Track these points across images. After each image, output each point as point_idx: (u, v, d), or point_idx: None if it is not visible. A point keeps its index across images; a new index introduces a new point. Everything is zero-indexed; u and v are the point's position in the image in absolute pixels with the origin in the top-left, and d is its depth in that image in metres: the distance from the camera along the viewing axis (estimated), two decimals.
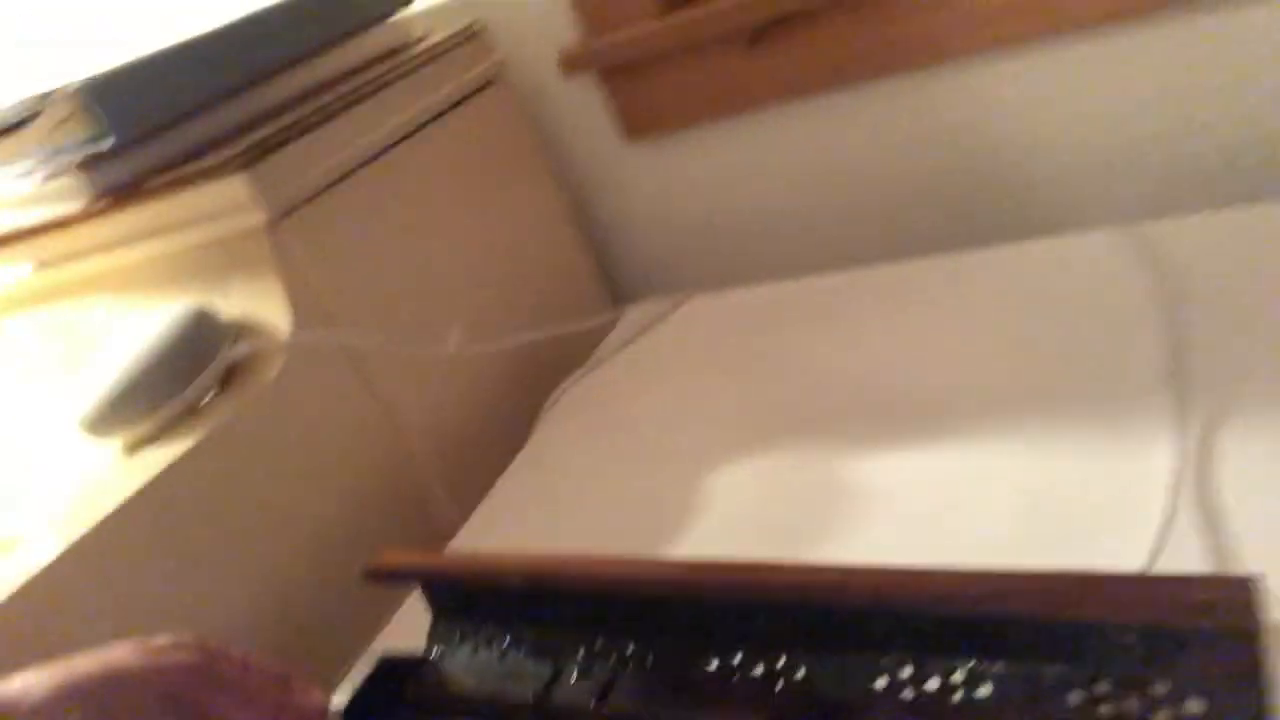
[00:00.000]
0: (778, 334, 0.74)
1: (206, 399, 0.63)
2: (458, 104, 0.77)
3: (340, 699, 0.42)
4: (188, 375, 0.61)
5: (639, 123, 0.88)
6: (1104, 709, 0.30)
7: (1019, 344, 0.60)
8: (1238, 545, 0.39)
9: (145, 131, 0.62)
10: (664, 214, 0.90)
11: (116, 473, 0.59)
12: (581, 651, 0.41)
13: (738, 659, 0.37)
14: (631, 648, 0.39)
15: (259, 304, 0.64)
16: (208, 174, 0.61)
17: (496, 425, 0.76)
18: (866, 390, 0.62)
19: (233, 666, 0.41)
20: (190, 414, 0.62)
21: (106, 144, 0.60)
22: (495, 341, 0.72)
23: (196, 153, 0.65)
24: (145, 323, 0.63)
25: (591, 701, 0.39)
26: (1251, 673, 0.27)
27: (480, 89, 0.80)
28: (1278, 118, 0.67)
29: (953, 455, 0.53)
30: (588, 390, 0.77)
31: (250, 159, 0.60)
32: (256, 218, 0.61)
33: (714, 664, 0.37)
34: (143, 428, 0.60)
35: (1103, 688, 0.30)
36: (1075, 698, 0.30)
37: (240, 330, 0.64)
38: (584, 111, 0.89)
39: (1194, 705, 0.29)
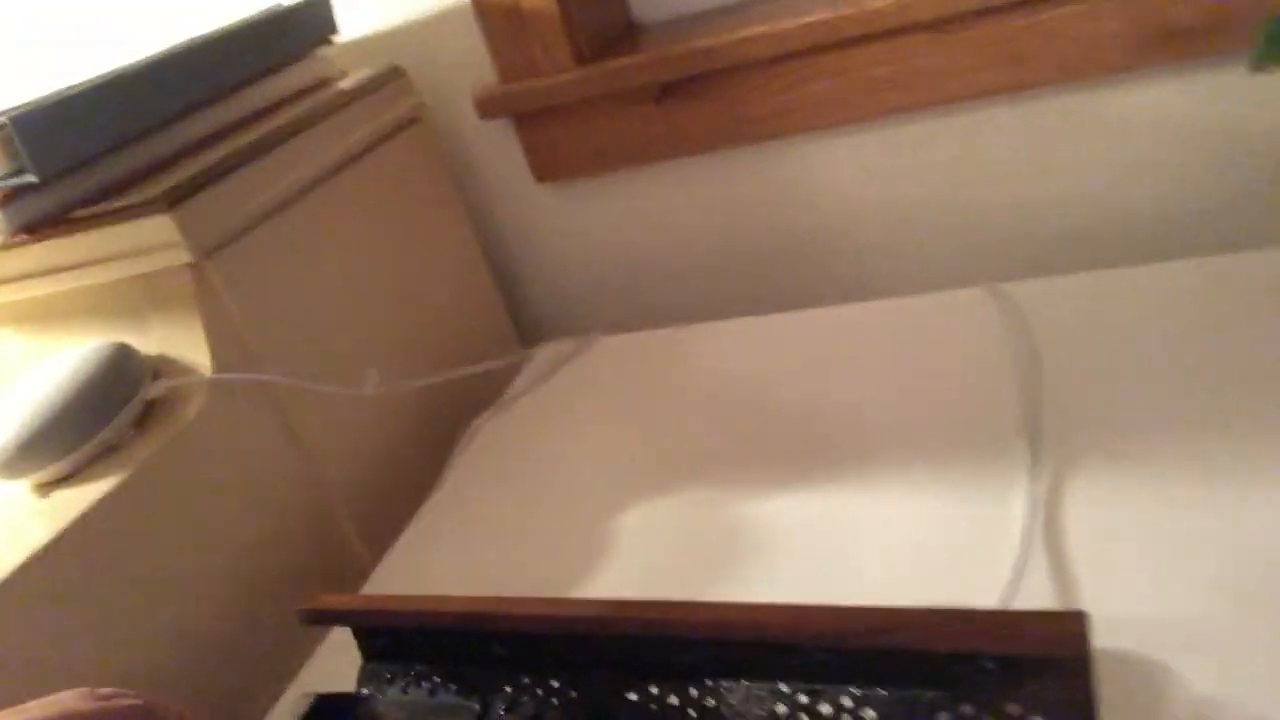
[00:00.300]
0: (680, 376, 0.78)
1: (124, 438, 0.63)
2: (378, 144, 0.80)
3: None
4: (106, 414, 0.62)
5: (550, 167, 0.92)
6: None
7: (895, 393, 0.66)
8: (1079, 582, 0.46)
9: (67, 166, 0.62)
10: (572, 257, 0.95)
11: (30, 515, 0.58)
12: (509, 688, 0.44)
13: (655, 690, 0.41)
14: (556, 683, 0.43)
15: (179, 342, 0.65)
16: (132, 212, 0.62)
17: (408, 465, 0.79)
18: (759, 432, 0.67)
19: (172, 715, 0.43)
20: (107, 453, 0.62)
21: (27, 178, 0.60)
22: (410, 382, 0.75)
23: (118, 187, 0.66)
24: (61, 359, 0.64)
25: None
26: (1084, 695, 0.33)
27: (400, 129, 0.83)
28: (1122, 193, 0.76)
29: (838, 498, 0.58)
30: (498, 429, 0.80)
31: (176, 198, 0.62)
32: (181, 257, 0.62)
33: (633, 695, 0.41)
34: (57, 468, 0.61)
35: (966, 709, 0.35)
36: (944, 718, 0.36)
37: (159, 368, 0.65)
38: (498, 154, 0.92)
39: None
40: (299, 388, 0.68)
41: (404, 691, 0.46)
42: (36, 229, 0.64)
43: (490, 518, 0.70)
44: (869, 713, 0.37)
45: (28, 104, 0.61)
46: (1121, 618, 0.43)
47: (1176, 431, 0.54)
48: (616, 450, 0.72)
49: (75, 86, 0.64)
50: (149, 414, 0.64)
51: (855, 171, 0.82)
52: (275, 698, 0.59)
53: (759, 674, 0.39)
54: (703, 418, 0.72)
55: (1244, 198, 0.72)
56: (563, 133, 0.89)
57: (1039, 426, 0.58)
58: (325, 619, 0.45)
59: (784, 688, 0.38)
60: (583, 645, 0.42)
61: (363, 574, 0.69)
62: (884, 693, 0.37)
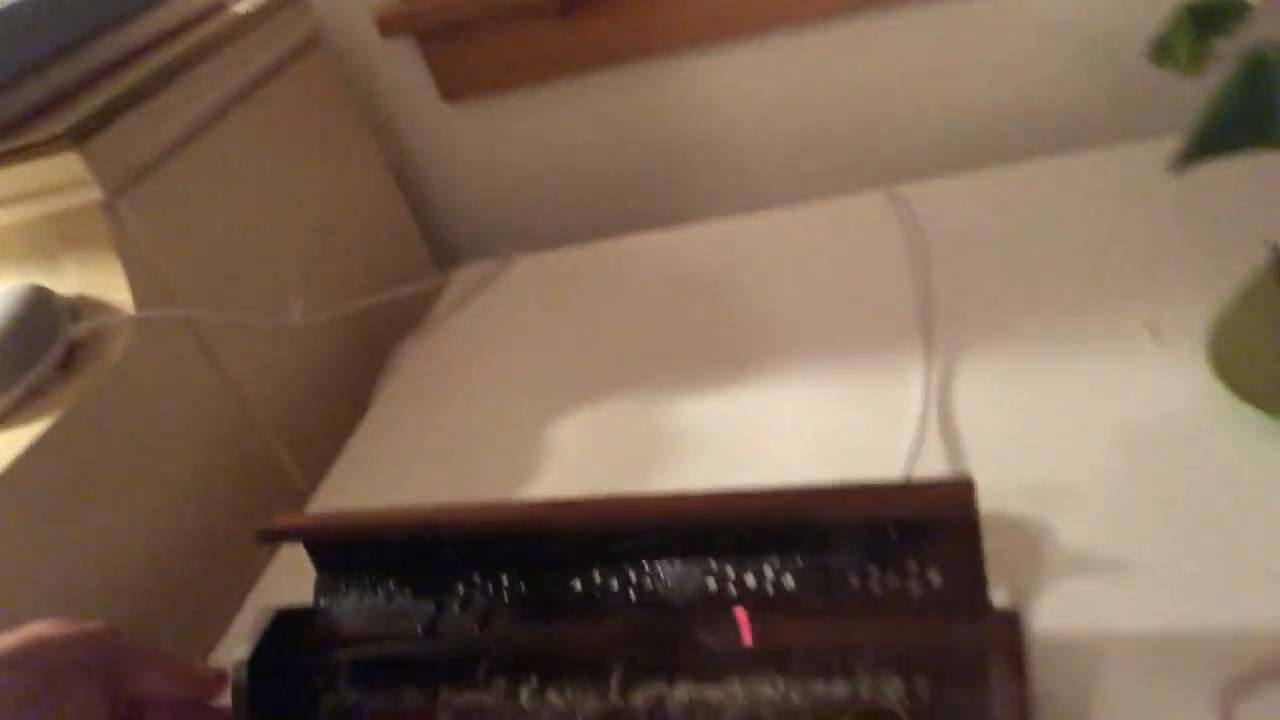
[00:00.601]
0: (598, 291, 0.81)
1: (49, 382, 0.63)
2: (279, 69, 0.79)
3: (238, 653, 0.47)
4: (27, 358, 0.61)
5: (456, 86, 0.92)
6: (874, 585, 0.40)
7: (800, 296, 0.70)
8: (969, 453, 0.51)
9: None
10: (484, 177, 0.95)
11: None
12: (461, 588, 0.48)
13: (597, 578, 0.45)
14: (505, 580, 0.47)
15: (97, 281, 0.65)
16: (37, 150, 0.61)
17: (337, 391, 0.80)
18: (678, 339, 0.71)
19: (136, 642, 0.45)
20: (33, 398, 0.62)
21: None
22: (334, 309, 0.76)
23: (16, 124, 0.64)
24: None
25: (475, 629, 0.46)
26: (972, 551, 0.38)
27: (300, 53, 0.81)
28: (1004, 94, 0.80)
29: (753, 395, 0.63)
30: (424, 352, 0.82)
31: (82, 134, 0.61)
32: (92, 194, 0.62)
33: (578, 585, 0.45)
34: None
35: (872, 569, 0.40)
36: (855, 579, 0.41)
37: (79, 309, 0.65)
38: (404, 75, 0.92)
39: (934, 577, 0.39)
40: (225, 321, 0.68)
41: (360, 600, 0.49)
42: None
43: (423, 437, 0.72)
44: (788, 579, 0.42)
45: None
46: (1006, 483, 0.48)
47: (1052, 316, 0.59)
48: (540, 366, 0.75)
49: None
50: (73, 356, 0.64)
51: (754, 82, 0.85)
52: (229, 617, 0.62)
53: (690, 554, 0.43)
54: (621, 330, 0.75)
55: (1117, 94, 0.77)
56: (468, 49, 0.89)
57: (932, 318, 0.63)
58: (282, 537, 0.48)
59: (713, 564, 0.43)
60: (528, 543, 0.45)
61: (301, 499, 0.71)
62: (801, 561, 0.41)
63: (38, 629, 0.42)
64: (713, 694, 0.41)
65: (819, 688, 0.40)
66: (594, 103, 0.89)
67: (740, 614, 0.41)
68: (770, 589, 0.42)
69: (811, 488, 0.39)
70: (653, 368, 0.69)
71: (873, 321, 0.65)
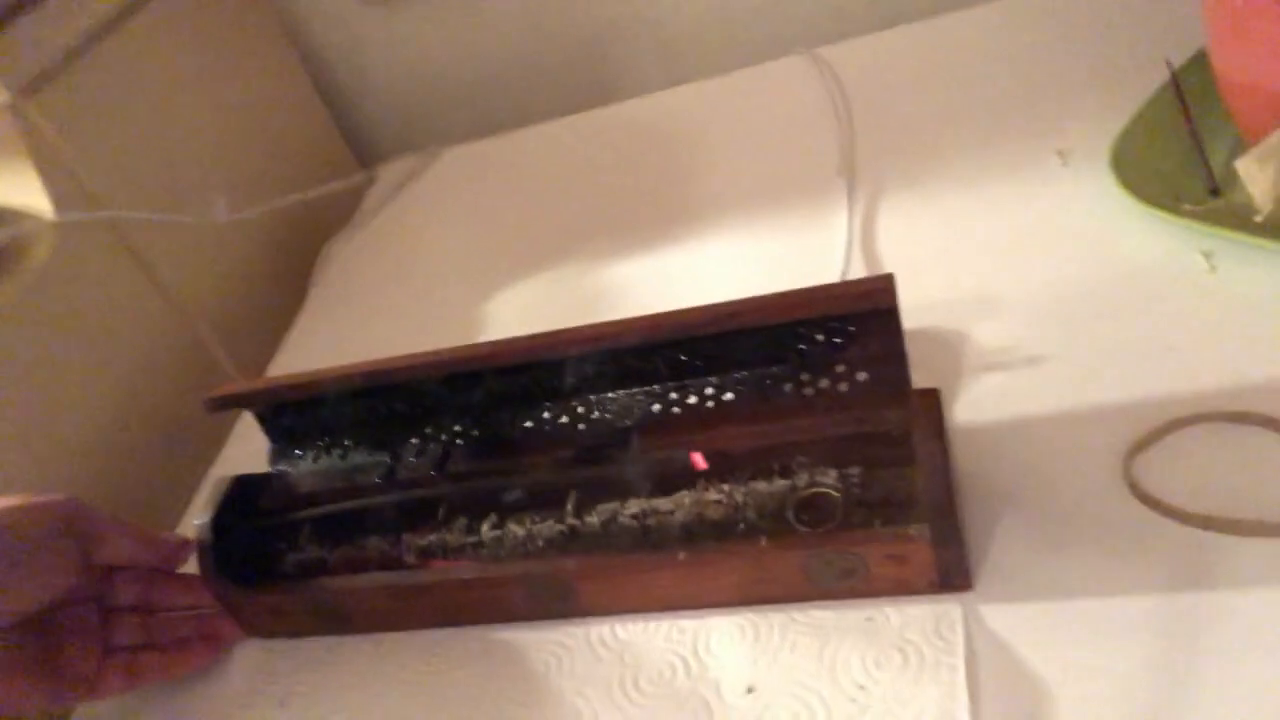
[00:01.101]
0: (523, 177, 0.82)
1: None
2: None
3: (200, 518, 0.48)
4: None
5: None
6: (808, 390, 0.43)
7: (727, 161, 0.72)
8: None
9: None
10: (406, 73, 0.94)
11: None
12: (414, 439, 0.49)
13: (547, 414, 0.47)
14: (458, 426, 0.48)
15: (12, 189, 0.64)
16: None
17: (269, 290, 0.80)
18: (610, 214, 0.72)
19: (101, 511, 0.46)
20: None
21: None
22: (258, 206, 0.75)
23: None
24: None
25: (431, 471, 0.47)
26: (895, 347, 0.40)
27: None
28: None
29: (685, 253, 0.64)
30: (356, 246, 0.82)
31: None
32: None
33: (529, 423, 0.47)
34: None
35: (805, 376, 0.43)
36: (788, 387, 0.43)
37: None
38: None
39: (860, 375, 0.42)
40: (147, 221, 0.67)
41: (315, 462, 0.50)
42: None
43: (362, 325, 0.73)
44: (728, 395, 0.44)
45: None
46: (928, 299, 0.51)
47: (967, 154, 0.62)
48: (472, 250, 0.76)
49: None
50: None
51: None
52: (185, 505, 0.62)
53: (633, 382, 0.45)
54: (551, 209, 0.76)
55: None
56: None
57: (855, 166, 0.65)
58: (231, 404, 0.48)
59: (655, 388, 0.45)
60: (475, 385, 0.47)
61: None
62: (738, 376, 0.44)
63: (7, 499, 0.43)
64: (662, 504, 0.43)
65: (760, 486, 0.42)
66: None
67: (696, 457, 0.44)
68: (711, 405, 0.44)
69: (743, 299, 0.41)
70: (585, 239, 0.70)
71: (798, 176, 0.67)
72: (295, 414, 0.50)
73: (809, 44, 0.78)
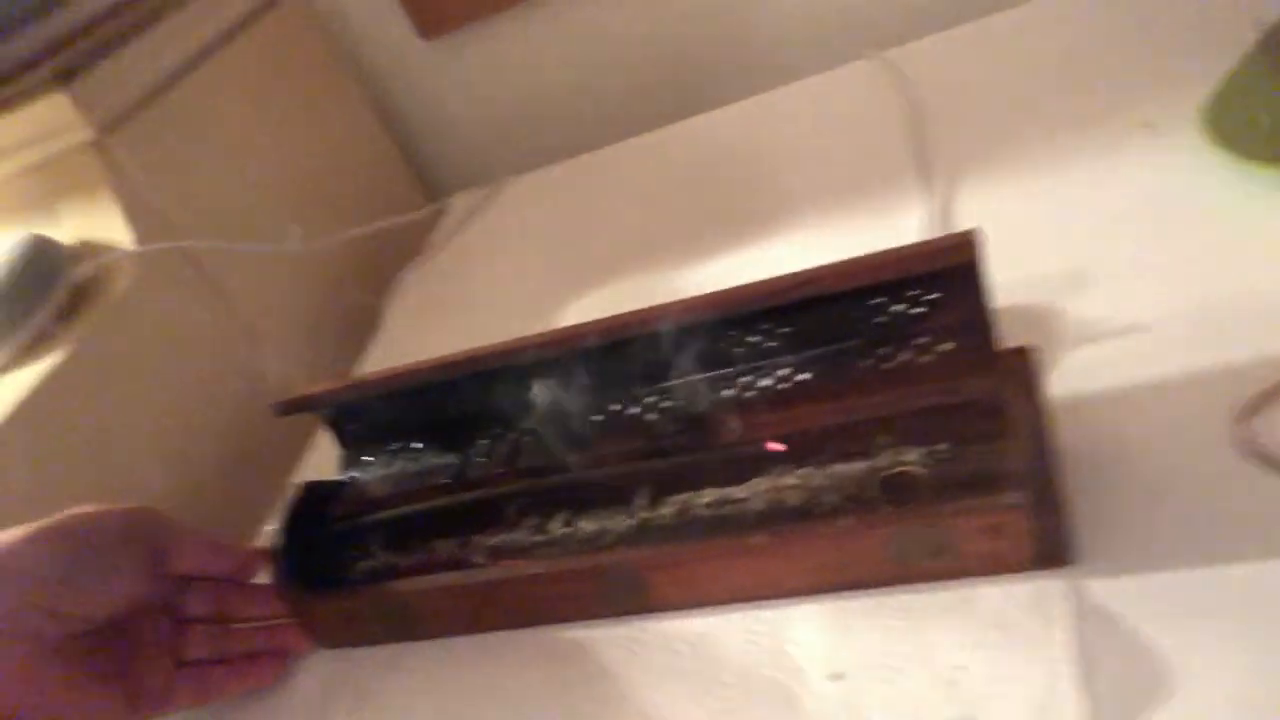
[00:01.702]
0: (593, 199, 0.81)
1: (56, 325, 0.64)
2: (255, 18, 0.79)
3: (272, 525, 0.47)
4: (30, 303, 0.62)
5: (433, 22, 0.92)
6: (888, 365, 0.40)
7: (800, 166, 0.70)
8: None
9: None
10: (472, 107, 0.95)
11: None
12: (483, 440, 0.48)
13: (615, 406, 0.45)
14: (527, 422, 0.47)
15: (96, 224, 0.66)
16: (25, 96, 0.62)
17: (342, 319, 0.81)
18: (680, 230, 0.71)
19: (175, 520, 0.46)
20: (42, 341, 0.63)
21: None
22: (332, 237, 0.76)
23: (5, 79, 0.65)
24: None
25: (500, 469, 0.46)
26: (979, 300, 0.38)
27: (273, 3, 0.82)
28: None
29: (763, 252, 0.63)
30: (427, 277, 0.83)
31: (68, 76, 0.61)
32: (83, 134, 0.63)
33: (599, 415, 0.46)
34: None
35: (884, 350, 0.40)
36: (868, 363, 0.41)
37: (82, 252, 0.66)
38: (381, 17, 0.92)
39: (946, 346, 0.40)
40: (222, 249, 0.69)
41: (386, 467, 0.50)
42: None
43: (435, 350, 0.72)
44: (803, 375, 0.42)
45: None
46: (1015, 277, 0.48)
47: (1048, 136, 0.59)
48: (542, 276, 0.75)
49: None
50: (80, 299, 0.65)
51: None
52: (257, 530, 0.62)
53: (703, 367, 0.43)
54: (619, 231, 0.75)
55: None
56: None
57: (929, 161, 0.63)
58: (300, 406, 0.48)
59: (726, 372, 0.43)
60: (546, 378, 0.46)
61: (311, 423, 0.71)
62: (812, 355, 0.42)
63: (78, 508, 0.43)
64: (737, 492, 0.41)
65: (840, 469, 0.40)
66: (569, 17, 0.89)
67: (772, 443, 0.42)
68: (786, 387, 0.42)
69: (819, 266, 0.39)
70: (656, 256, 0.69)
71: (872, 176, 0.65)
72: (364, 419, 0.50)
73: (877, 48, 0.77)
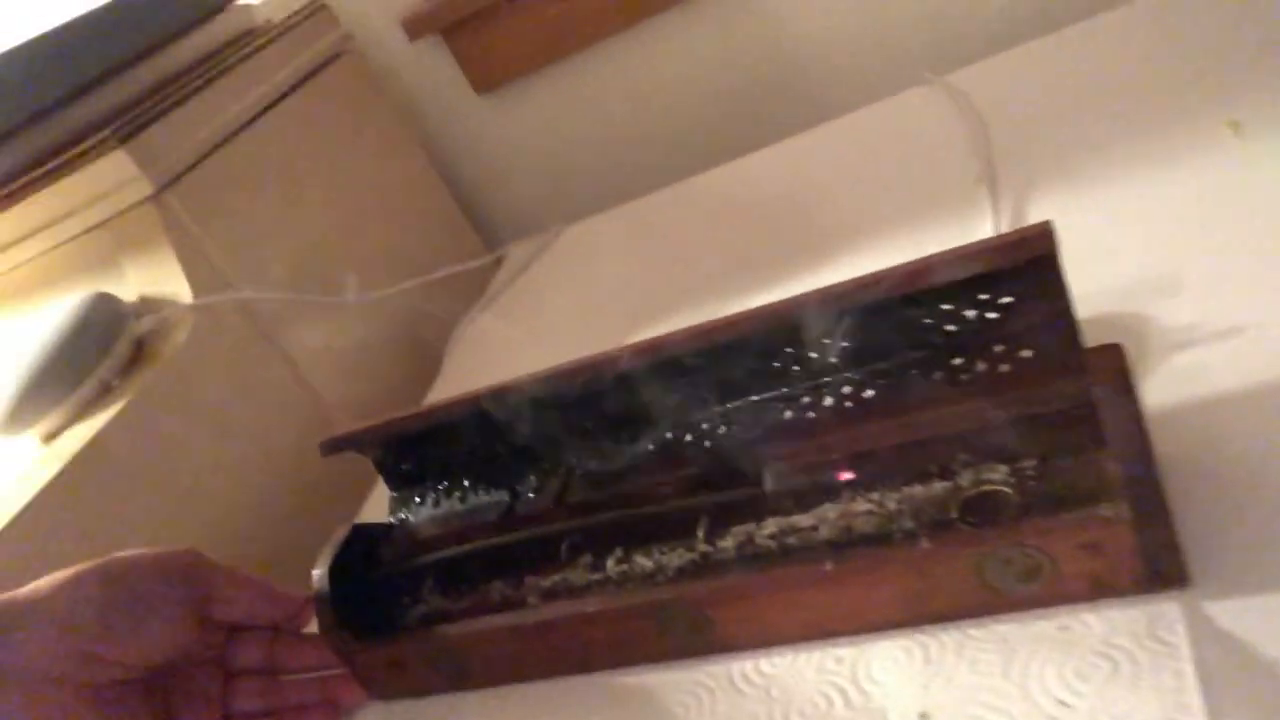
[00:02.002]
0: (651, 241, 0.80)
1: (119, 378, 0.64)
2: (310, 76, 0.81)
3: (317, 570, 0.45)
4: (92, 356, 0.62)
5: (487, 76, 0.93)
6: (963, 376, 0.37)
7: (866, 192, 0.68)
8: None
9: (17, 123, 0.63)
10: (529, 157, 0.96)
11: (37, 462, 0.59)
12: (533, 476, 0.46)
13: (669, 435, 0.43)
14: (575, 457, 0.45)
15: (157, 279, 0.66)
16: (85, 156, 0.63)
17: (399, 371, 0.80)
18: (740, 265, 0.69)
19: (222, 565, 0.44)
20: (106, 394, 0.63)
21: None
22: (389, 287, 0.76)
23: (63, 147, 0.66)
24: (42, 317, 0.65)
25: (551, 504, 0.44)
26: (1059, 296, 0.35)
27: (330, 60, 0.84)
28: None
29: (831, 277, 0.60)
30: (486, 325, 0.82)
31: (127, 134, 0.63)
32: (141, 190, 0.64)
33: (649, 445, 0.43)
34: (57, 415, 0.62)
35: (958, 360, 0.37)
36: (940, 375, 0.38)
37: (143, 307, 0.66)
38: (436, 74, 0.93)
39: (1025, 353, 0.36)
40: (281, 301, 0.69)
41: (435, 507, 0.48)
42: None
43: None
44: (869, 391, 0.39)
45: None
46: (1098, 288, 0.45)
47: (1129, 143, 0.56)
48: (604, 318, 0.74)
49: (11, 47, 0.65)
50: (143, 353, 0.65)
51: (788, 5, 0.84)
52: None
53: (760, 388, 0.41)
54: (683, 270, 0.73)
55: None
56: (494, 35, 0.90)
57: (996, 180, 0.60)
58: (345, 444, 0.47)
59: (785, 391, 0.40)
60: (593, 407, 0.43)
61: (369, 473, 0.70)
62: (878, 369, 0.39)
63: (122, 552, 0.42)
64: (803, 520, 0.38)
65: (916, 491, 0.36)
66: (623, 63, 0.89)
67: (840, 471, 0.39)
68: (848, 405, 0.39)
69: (884, 269, 0.36)
70: (719, 293, 0.67)
71: (940, 199, 0.62)
72: (412, 458, 0.48)
73: (937, 73, 0.75)
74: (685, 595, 0.37)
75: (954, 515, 0.35)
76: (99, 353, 0.63)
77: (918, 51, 0.81)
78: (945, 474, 0.36)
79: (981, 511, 0.35)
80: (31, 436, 0.63)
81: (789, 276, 0.63)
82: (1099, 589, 0.32)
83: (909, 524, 0.36)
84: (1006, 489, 0.35)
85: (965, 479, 0.36)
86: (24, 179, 0.65)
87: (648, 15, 0.86)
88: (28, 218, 0.67)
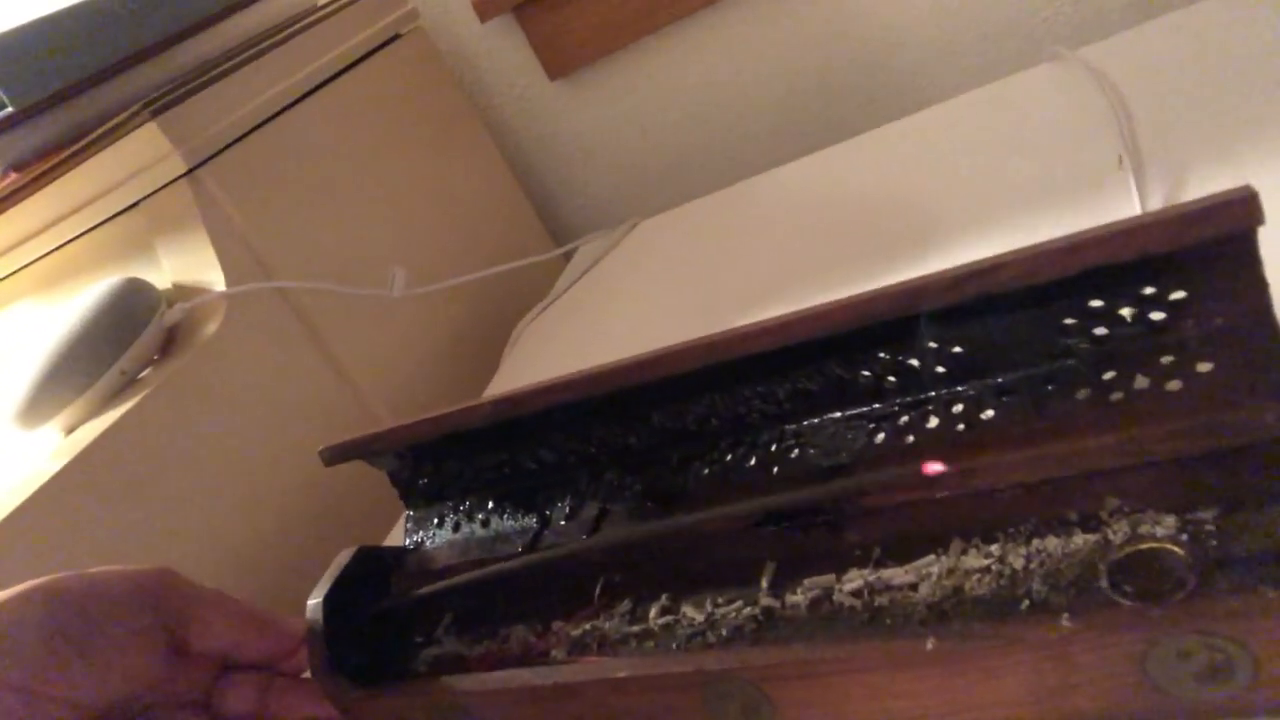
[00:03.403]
0: (735, 236, 0.72)
1: (146, 368, 0.60)
2: (371, 54, 0.75)
3: (312, 600, 0.39)
4: (117, 344, 0.58)
5: (561, 60, 0.86)
6: (1116, 395, 0.28)
7: (992, 173, 0.59)
8: None
9: (45, 96, 0.59)
10: (604, 148, 0.89)
11: (52, 455, 0.55)
12: (566, 497, 0.38)
13: (727, 456, 0.35)
14: (614, 477, 0.37)
15: (190, 264, 0.62)
16: (118, 130, 0.58)
17: (453, 369, 0.74)
18: (837, 257, 0.60)
19: (199, 586, 0.38)
20: (132, 385, 0.59)
21: (4, 112, 0.57)
22: (439, 283, 0.70)
23: (97, 125, 0.62)
24: (72, 302, 0.60)
25: (582, 537, 0.36)
26: (1258, 309, 0.25)
27: (395, 39, 0.78)
28: None
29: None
30: (550, 323, 0.75)
31: (160, 108, 0.58)
32: (174, 166, 0.59)
33: (705, 470, 0.35)
34: (79, 408, 0.57)
35: (1110, 374, 0.28)
36: (1085, 393, 0.29)
37: (176, 294, 0.62)
38: (509, 58, 0.87)
39: (1204, 366, 0.27)
40: (321, 292, 0.63)
41: (456, 529, 0.41)
42: (24, 166, 0.61)
43: None
44: (988, 412, 0.30)
45: None
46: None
47: (1269, 127, 0.46)
48: (676, 317, 0.66)
49: (46, 15, 0.61)
50: (174, 341, 0.61)
51: None
52: None
53: (846, 402, 0.32)
54: (765, 265, 0.65)
55: None
56: (568, 14, 0.83)
57: (1141, 162, 0.50)
58: (350, 452, 0.40)
59: (877, 408, 0.32)
60: (632, 419, 0.36)
61: None
62: (1001, 383, 0.30)
63: (98, 569, 0.36)
64: (896, 575, 0.29)
65: (1051, 545, 0.28)
66: (703, 46, 0.82)
67: (929, 468, 0.30)
68: (963, 426, 0.30)
69: (1008, 252, 0.27)
70: (811, 288, 0.58)
71: (1072, 185, 0.53)
72: (432, 473, 0.41)
73: (1067, 45, 0.65)
74: (739, 667, 0.29)
75: (1102, 581, 0.26)
76: (125, 343, 0.58)
77: (1043, 28, 0.71)
78: (1090, 524, 0.27)
79: (1139, 577, 0.26)
80: (53, 429, 0.58)
81: (889, 273, 0.54)
82: None
83: (1040, 588, 0.27)
84: (1175, 548, 0.26)
85: (1117, 532, 0.27)
86: (55, 159, 0.61)
87: None
88: (61, 199, 0.63)
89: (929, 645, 0.26)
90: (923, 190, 0.62)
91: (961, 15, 0.74)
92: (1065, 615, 0.25)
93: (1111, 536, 0.27)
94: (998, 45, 0.74)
